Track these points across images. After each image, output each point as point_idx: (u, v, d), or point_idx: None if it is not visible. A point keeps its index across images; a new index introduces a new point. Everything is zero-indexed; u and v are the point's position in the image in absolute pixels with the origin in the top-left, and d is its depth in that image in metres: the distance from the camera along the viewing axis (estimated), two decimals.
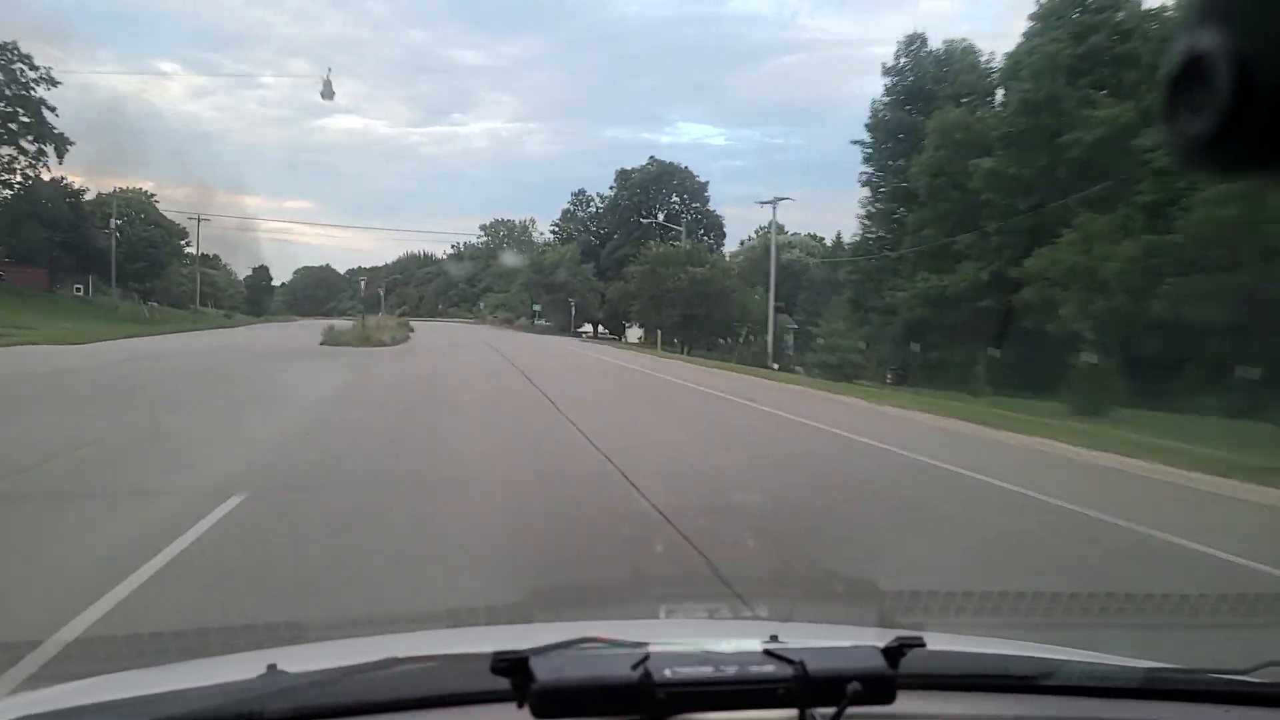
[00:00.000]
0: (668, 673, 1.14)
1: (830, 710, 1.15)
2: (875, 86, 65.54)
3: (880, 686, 1.18)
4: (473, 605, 3.80)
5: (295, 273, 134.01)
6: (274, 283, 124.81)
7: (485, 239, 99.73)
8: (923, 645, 1.26)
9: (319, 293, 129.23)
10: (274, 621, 3.46)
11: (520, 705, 1.12)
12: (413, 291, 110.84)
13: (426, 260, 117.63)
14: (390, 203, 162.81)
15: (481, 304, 77.79)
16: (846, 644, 1.39)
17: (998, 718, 1.41)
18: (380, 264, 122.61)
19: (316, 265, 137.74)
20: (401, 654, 1.42)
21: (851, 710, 1.15)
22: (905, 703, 1.22)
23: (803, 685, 1.16)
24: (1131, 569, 6.07)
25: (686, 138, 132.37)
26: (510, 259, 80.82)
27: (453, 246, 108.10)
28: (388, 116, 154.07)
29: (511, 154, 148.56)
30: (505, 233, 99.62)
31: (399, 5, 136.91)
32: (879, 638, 1.31)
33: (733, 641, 1.41)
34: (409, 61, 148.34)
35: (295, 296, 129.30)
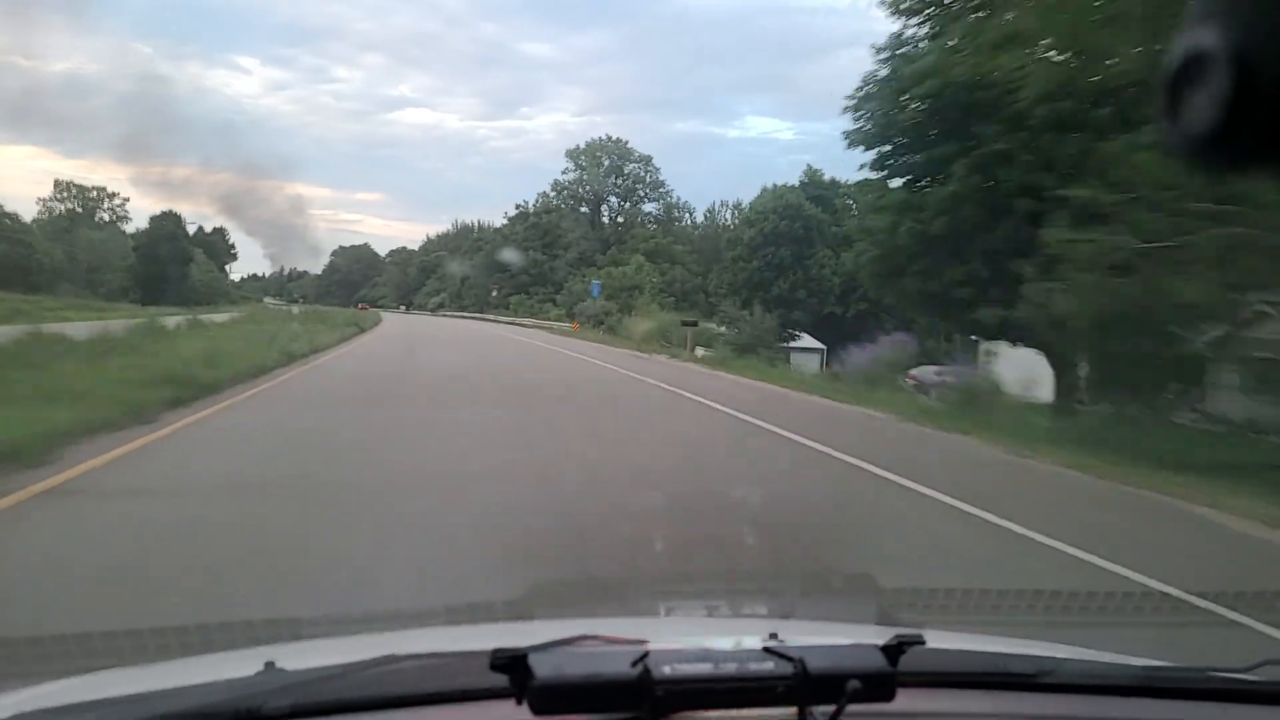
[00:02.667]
0: (667, 670, 1.14)
1: (830, 708, 1.15)
2: None
3: (880, 684, 1.18)
4: (472, 602, 3.80)
5: (332, 254, 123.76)
6: (305, 270, 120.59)
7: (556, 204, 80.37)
8: (922, 643, 1.26)
9: (353, 277, 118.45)
10: (273, 618, 3.46)
11: (519, 702, 1.12)
12: (457, 270, 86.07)
13: (481, 232, 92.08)
14: (458, 196, 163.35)
15: (594, 286, 51.09)
16: (846, 641, 1.39)
17: (997, 715, 1.42)
18: (432, 236, 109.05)
19: (351, 245, 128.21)
20: (400, 651, 1.42)
21: (851, 708, 1.15)
22: (905, 700, 1.22)
23: (802, 683, 1.16)
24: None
25: (754, 131, 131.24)
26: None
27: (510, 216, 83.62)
28: (457, 110, 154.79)
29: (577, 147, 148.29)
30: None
31: (475, 1, 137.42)
32: (879, 635, 1.31)
33: (732, 639, 1.41)
34: (480, 55, 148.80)
35: (326, 280, 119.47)
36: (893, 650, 1.22)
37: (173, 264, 69.41)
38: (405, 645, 1.56)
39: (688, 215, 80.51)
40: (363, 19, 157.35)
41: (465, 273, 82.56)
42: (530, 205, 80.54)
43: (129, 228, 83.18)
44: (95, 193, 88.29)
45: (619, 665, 1.14)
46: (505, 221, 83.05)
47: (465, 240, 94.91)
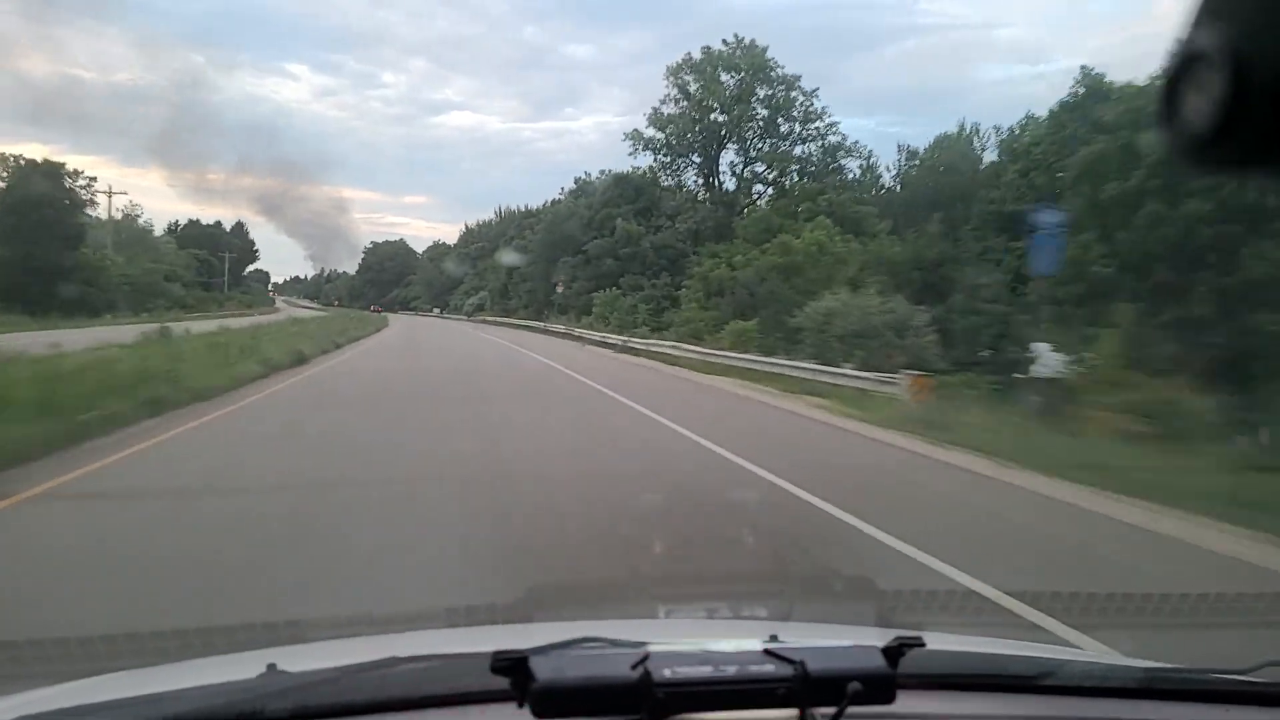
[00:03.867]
0: (667, 672, 1.14)
1: (830, 710, 1.15)
2: (993, 72, 58.25)
3: (880, 686, 1.18)
4: (472, 604, 3.80)
5: (365, 250, 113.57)
6: (340, 270, 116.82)
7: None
8: (923, 645, 1.26)
9: (386, 276, 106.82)
10: (274, 621, 3.46)
11: (520, 705, 1.12)
12: (504, 260, 62.31)
13: (532, 215, 68.34)
14: (500, 198, 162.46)
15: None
16: (846, 644, 1.39)
17: (997, 717, 1.41)
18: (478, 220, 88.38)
19: (384, 240, 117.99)
20: (401, 653, 1.42)
21: (852, 710, 1.15)
22: (905, 702, 1.22)
23: (803, 685, 1.15)
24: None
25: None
26: None
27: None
28: (500, 112, 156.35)
29: (621, 148, 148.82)
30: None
31: (515, 2, 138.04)
32: (879, 637, 1.31)
33: (732, 641, 1.41)
34: (521, 57, 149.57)
35: (359, 281, 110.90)
36: (893, 652, 1.22)
37: (49, 245, 43.00)
38: (406, 648, 1.56)
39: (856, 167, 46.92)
40: (407, 24, 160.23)
41: (515, 262, 59.71)
42: (590, 177, 55.09)
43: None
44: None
45: (619, 668, 1.14)
46: (579, 181, 56.54)
47: (510, 227, 72.25)
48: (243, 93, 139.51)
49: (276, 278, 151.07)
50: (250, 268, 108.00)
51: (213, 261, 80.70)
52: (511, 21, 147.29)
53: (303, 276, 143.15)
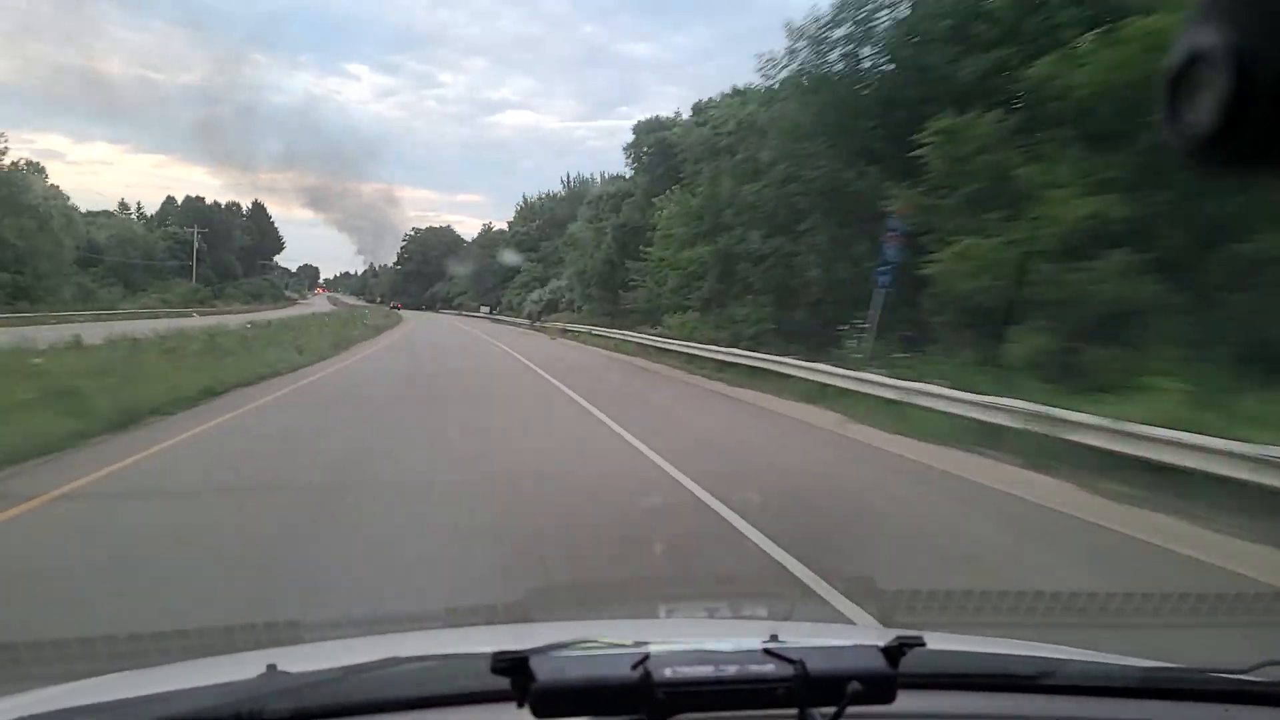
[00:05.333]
0: (668, 672, 1.14)
1: (830, 710, 1.15)
2: None
3: (881, 686, 1.18)
4: (472, 604, 3.80)
5: (405, 238, 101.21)
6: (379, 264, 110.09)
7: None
8: (923, 645, 1.26)
9: (428, 268, 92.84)
10: (274, 621, 3.46)
11: (520, 705, 1.12)
12: (584, 236, 43.36)
13: (578, 186, 57.14)
14: None
15: None
16: (847, 643, 1.39)
17: (998, 717, 1.41)
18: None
19: (425, 226, 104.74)
20: (401, 654, 1.42)
21: (852, 710, 1.15)
22: (906, 702, 1.22)
23: (803, 685, 1.15)
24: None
25: None
26: None
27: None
28: (557, 111, 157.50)
29: None
30: None
31: (577, 2, 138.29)
32: (879, 637, 1.30)
33: (732, 641, 1.40)
34: (580, 56, 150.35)
35: (401, 274, 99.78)
36: (893, 652, 1.22)
37: None
38: (406, 648, 1.56)
39: None
40: (468, 24, 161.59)
41: (594, 238, 40.91)
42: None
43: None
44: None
45: (620, 668, 1.14)
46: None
47: (584, 198, 50.98)
48: (304, 92, 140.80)
49: (327, 274, 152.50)
50: (275, 258, 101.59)
51: (202, 246, 72.38)
52: (572, 20, 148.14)
53: (353, 272, 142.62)
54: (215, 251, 78.40)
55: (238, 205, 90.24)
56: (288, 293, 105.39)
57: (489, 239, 79.66)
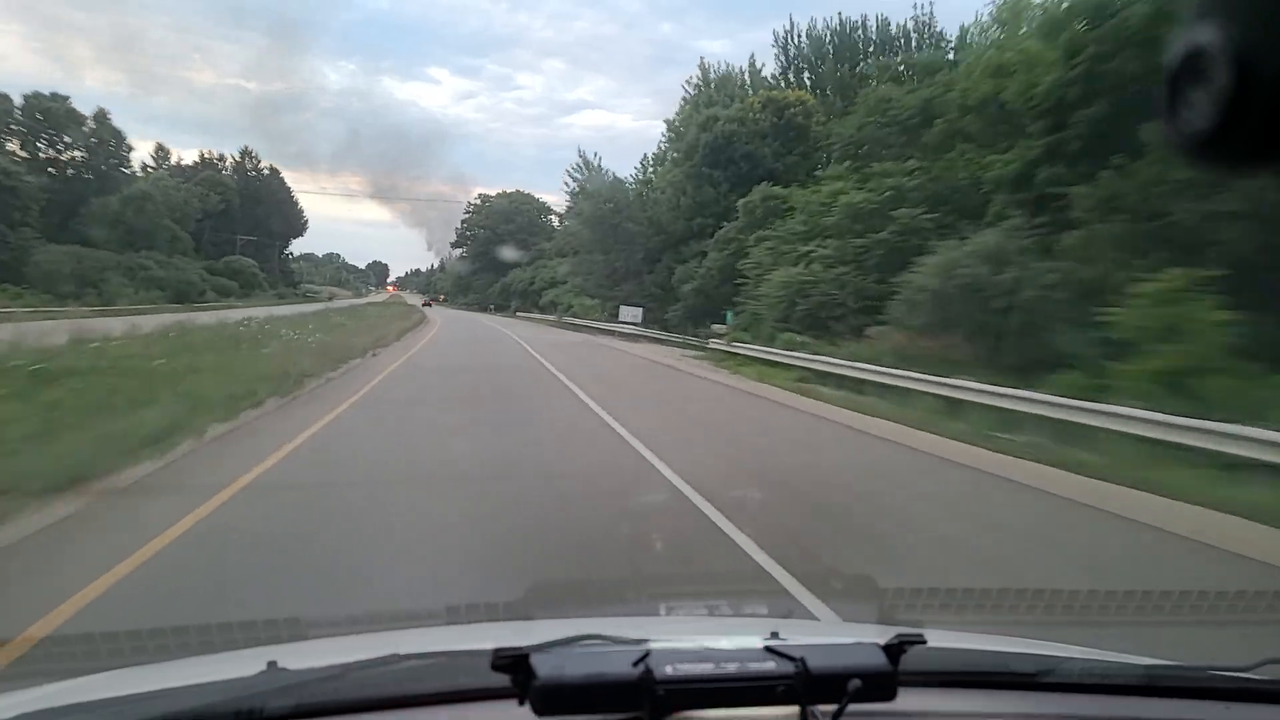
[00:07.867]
0: (668, 669, 1.14)
1: (831, 707, 1.15)
2: None
3: (881, 683, 1.18)
4: (473, 602, 3.80)
5: (469, 208, 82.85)
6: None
7: None
8: (923, 642, 1.26)
9: (495, 239, 70.94)
10: (274, 618, 3.46)
11: (521, 702, 1.12)
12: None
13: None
14: None
15: None
16: (847, 641, 1.39)
17: (998, 715, 1.41)
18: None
19: (498, 191, 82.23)
20: (402, 651, 1.42)
21: (853, 707, 1.15)
22: (906, 700, 1.22)
23: (804, 682, 1.15)
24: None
25: None
26: None
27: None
28: (631, 110, 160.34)
29: None
30: None
31: (652, 2, 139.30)
32: (880, 635, 1.30)
33: (733, 638, 1.40)
34: (655, 55, 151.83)
35: (463, 269, 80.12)
36: (894, 649, 1.22)
37: None
38: (407, 645, 1.55)
39: None
40: (544, 26, 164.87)
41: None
42: None
43: None
44: None
45: (620, 665, 1.14)
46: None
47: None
48: (386, 97, 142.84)
49: (398, 271, 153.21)
50: (295, 242, 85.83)
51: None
52: (647, 19, 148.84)
53: (422, 270, 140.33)
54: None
55: (239, 158, 76.70)
56: (307, 286, 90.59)
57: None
